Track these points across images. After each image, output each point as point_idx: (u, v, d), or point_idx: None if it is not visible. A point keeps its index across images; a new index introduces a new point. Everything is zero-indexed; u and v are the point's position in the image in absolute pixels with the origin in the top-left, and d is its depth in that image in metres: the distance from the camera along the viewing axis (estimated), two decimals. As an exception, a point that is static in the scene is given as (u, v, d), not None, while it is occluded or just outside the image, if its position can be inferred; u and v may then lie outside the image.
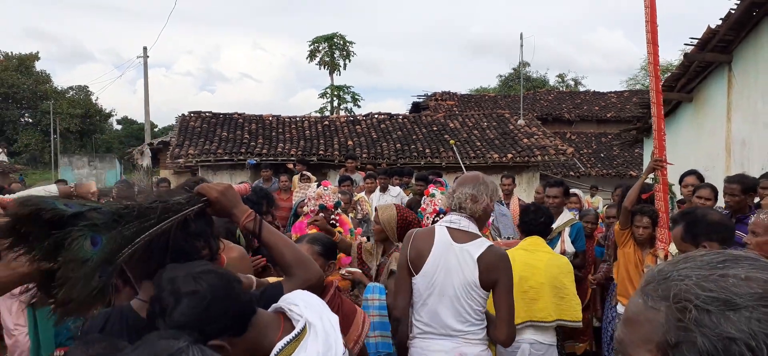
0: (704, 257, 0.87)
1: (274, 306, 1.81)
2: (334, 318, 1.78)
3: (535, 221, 4.05)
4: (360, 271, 4.06)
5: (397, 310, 3.05)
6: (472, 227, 2.91)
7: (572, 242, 5.42)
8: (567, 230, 5.45)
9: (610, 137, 22.14)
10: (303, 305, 1.75)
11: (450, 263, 2.85)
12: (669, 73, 12.91)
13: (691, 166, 7.70)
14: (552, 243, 5.31)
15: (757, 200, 5.00)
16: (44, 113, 43.11)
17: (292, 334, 1.66)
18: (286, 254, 1.92)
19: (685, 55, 10.52)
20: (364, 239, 5.06)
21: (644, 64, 35.55)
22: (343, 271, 3.95)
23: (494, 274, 2.83)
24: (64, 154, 38.48)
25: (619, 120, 22.80)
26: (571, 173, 19.52)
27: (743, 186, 4.70)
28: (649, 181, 4.87)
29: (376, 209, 4.02)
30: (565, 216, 5.55)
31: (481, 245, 2.86)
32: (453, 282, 2.84)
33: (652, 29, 4.64)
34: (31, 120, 47.50)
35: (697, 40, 9.91)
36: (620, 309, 4.69)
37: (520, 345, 3.61)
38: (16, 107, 46.64)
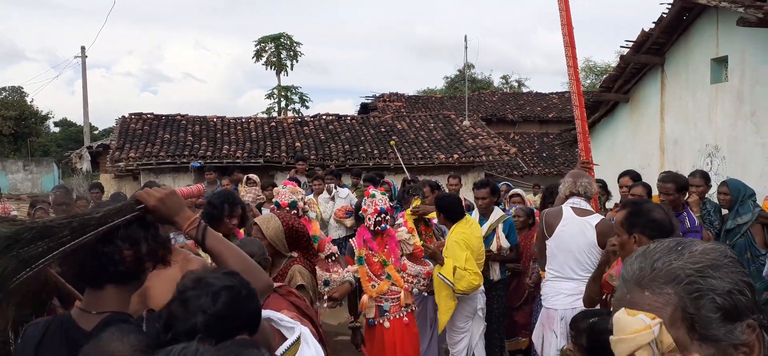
0: (659, 247, 1.10)
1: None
2: (307, 330, 1.97)
3: (459, 207, 5.10)
4: None
5: (542, 267, 4.43)
6: (589, 207, 4.25)
7: (506, 237, 5.57)
8: (500, 226, 5.61)
9: (551, 136, 22.66)
10: (288, 318, 1.91)
11: (574, 230, 4.12)
12: (607, 75, 13.37)
13: (629, 164, 8.02)
14: (488, 240, 5.47)
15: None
16: (-26, 116, 40.99)
17: (291, 340, 1.81)
18: (231, 262, 1.87)
19: (621, 57, 10.93)
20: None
21: (584, 66, 36.65)
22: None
23: (607, 237, 3.78)
24: (-3, 158, 36.74)
25: (561, 120, 23.38)
26: (515, 172, 19.95)
27: (677, 185, 4.90)
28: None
29: (255, 224, 3.71)
30: (497, 214, 5.72)
31: (596, 218, 4.18)
32: (578, 243, 4.11)
33: (568, 33, 4.72)
34: (-41, 123, 45.07)
35: (632, 43, 10.31)
36: None
37: (476, 295, 4.97)
38: (-58, 109, 44.18)
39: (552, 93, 28.33)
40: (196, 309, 1.60)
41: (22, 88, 49.15)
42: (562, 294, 4.20)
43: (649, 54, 10.28)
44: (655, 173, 7.66)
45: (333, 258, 4.59)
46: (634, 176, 5.82)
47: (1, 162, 34.83)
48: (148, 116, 17.16)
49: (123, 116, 17.21)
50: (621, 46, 10.74)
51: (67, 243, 1.64)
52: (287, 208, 4.66)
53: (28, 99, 47.58)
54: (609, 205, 6.64)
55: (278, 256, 3.68)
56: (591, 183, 4.35)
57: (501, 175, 17.81)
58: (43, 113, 49.86)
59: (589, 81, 35.82)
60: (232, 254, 1.90)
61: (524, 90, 36.95)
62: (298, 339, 1.83)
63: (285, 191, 4.87)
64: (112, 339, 1.52)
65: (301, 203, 4.76)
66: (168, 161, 14.55)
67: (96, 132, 41.94)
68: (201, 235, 1.87)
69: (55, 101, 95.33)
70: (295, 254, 3.71)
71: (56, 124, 53.26)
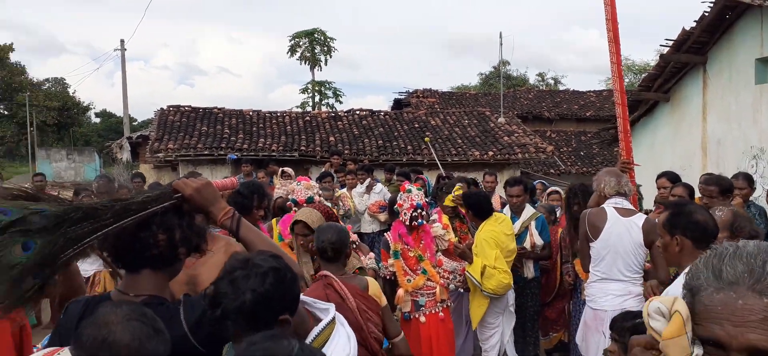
0: (753, 249, 1.04)
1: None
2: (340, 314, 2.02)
3: (487, 204, 5.11)
4: None
5: (586, 269, 4.38)
6: (631, 206, 4.23)
7: (539, 234, 5.54)
8: (533, 224, 5.59)
9: (589, 135, 22.34)
10: (321, 301, 1.96)
11: (621, 231, 4.08)
12: (646, 74, 13.11)
13: (669, 165, 7.86)
14: (521, 238, 5.45)
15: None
16: (20, 106, 42.28)
17: (326, 321, 1.86)
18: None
19: (661, 56, 10.71)
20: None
21: (624, 65, 35.96)
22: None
23: (652, 236, 3.88)
24: (42, 147, 37.83)
25: (598, 119, 23.03)
26: (552, 170, 19.72)
27: (721, 188, 4.77)
28: None
29: (298, 222, 3.84)
30: (529, 211, 5.71)
31: (641, 217, 4.17)
32: (625, 244, 4.08)
33: (613, 28, 4.64)
34: (6, 112, 46.56)
35: (672, 42, 10.09)
36: None
37: (506, 295, 4.93)
38: (-10, 99, 45.66)
39: (589, 91, 27.90)
40: (245, 288, 1.66)
41: (65, 79, 50.55)
42: (610, 294, 4.17)
43: (690, 53, 10.05)
44: (697, 174, 7.50)
45: (354, 246, 4.63)
46: (672, 178, 5.70)
47: (46, 151, 35.89)
48: (186, 108, 17.46)
49: (161, 108, 17.53)
50: (661, 45, 10.59)
51: (110, 226, 1.72)
52: (304, 204, 4.74)
53: (70, 90, 48.95)
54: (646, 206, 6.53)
55: None
56: (629, 182, 4.34)
57: (537, 173, 17.62)
58: (85, 104, 51.21)
59: (627, 80, 35.13)
60: (263, 244, 1.96)
61: (561, 88, 36.48)
62: (333, 320, 1.89)
63: (300, 188, 4.91)
64: (107, 310, 1.60)
65: (317, 197, 4.81)
66: (206, 152, 14.79)
67: (135, 123, 42.89)
68: (235, 225, 1.94)
69: (95, 92, 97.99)
70: None
71: (97, 115, 54.69)
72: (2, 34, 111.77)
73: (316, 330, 1.84)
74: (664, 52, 10.41)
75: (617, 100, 4.75)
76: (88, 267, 5.60)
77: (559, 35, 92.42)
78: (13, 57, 47.74)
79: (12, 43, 48.23)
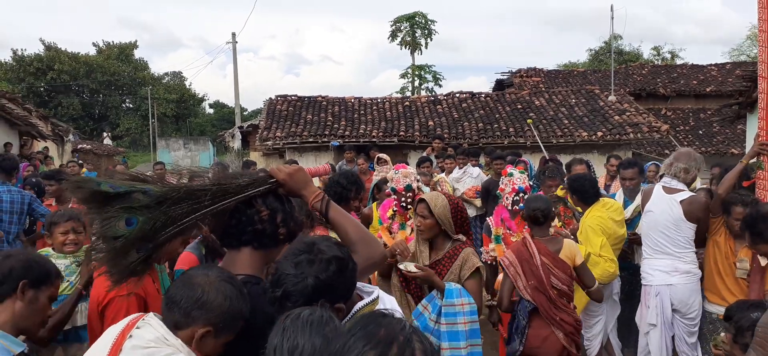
0: None
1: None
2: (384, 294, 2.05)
3: (593, 188, 4.94)
4: (429, 270, 3.44)
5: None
6: (681, 186, 4.36)
7: None
8: None
9: (709, 112, 20.79)
10: (368, 285, 2.01)
11: (663, 207, 4.33)
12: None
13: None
14: (633, 223, 5.15)
15: None
16: (143, 99, 45.63)
17: (369, 298, 1.89)
18: (351, 232, 2.01)
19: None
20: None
21: (751, 33, 32.92)
22: (401, 266, 3.42)
23: (695, 213, 4.21)
24: (162, 137, 40.70)
25: (720, 95, 21.36)
26: (666, 151, 18.45)
27: None
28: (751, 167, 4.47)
29: (422, 201, 3.55)
30: None
31: (684, 194, 4.31)
32: (665, 219, 4.31)
33: None
34: (131, 106, 50.40)
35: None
36: (708, 307, 4.28)
37: (612, 283, 4.79)
38: (118, 94, 49.63)
39: (710, 65, 25.86)
40: (308, 273, 1.69)
41: (182, 72, 53.88)
42: (657, 270, 4.37)
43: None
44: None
45: None
46: None
47: (166, 141, 38.54)
48: (293, 97, 18.03)
49: (270, 98, 18.23)
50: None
51: (208, 207, 1.84)
52: (403, 192, 4.67)
53: (186, 83, 52.14)
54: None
55: (443, 237, 3.55)
56: (687, 169, 4.33)
57: (650, 154, 16.58)
58: (200, 96, 54.34)
59: (756, 51, 32.20)
60: (351, 224, 2.03)
61: (678, 62, 34.11)
62: (376, 298, 1.91)
63: (398, 176, 4.84)
64: (199, 273, 1.74)
65: (415, 184, 4.75)
66: (310, 140, 15.21)
67: (245, 113, 44.96)
68: (325, 207, 2.02)
69: (209, 84, 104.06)
70: (463, 237, 3.57)
71: (211, 106, 57.83)
72: (127, 32, 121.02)
73: (359, 304, 1.86)
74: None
75: (762, 73, 4.17)
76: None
77: (676, 5, 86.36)
78: (137, 54, 51.62)
79: (136, 41, 52.06)
